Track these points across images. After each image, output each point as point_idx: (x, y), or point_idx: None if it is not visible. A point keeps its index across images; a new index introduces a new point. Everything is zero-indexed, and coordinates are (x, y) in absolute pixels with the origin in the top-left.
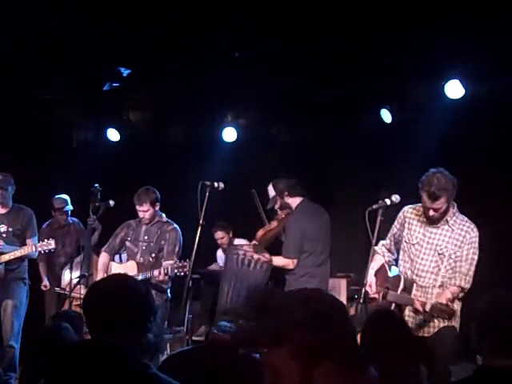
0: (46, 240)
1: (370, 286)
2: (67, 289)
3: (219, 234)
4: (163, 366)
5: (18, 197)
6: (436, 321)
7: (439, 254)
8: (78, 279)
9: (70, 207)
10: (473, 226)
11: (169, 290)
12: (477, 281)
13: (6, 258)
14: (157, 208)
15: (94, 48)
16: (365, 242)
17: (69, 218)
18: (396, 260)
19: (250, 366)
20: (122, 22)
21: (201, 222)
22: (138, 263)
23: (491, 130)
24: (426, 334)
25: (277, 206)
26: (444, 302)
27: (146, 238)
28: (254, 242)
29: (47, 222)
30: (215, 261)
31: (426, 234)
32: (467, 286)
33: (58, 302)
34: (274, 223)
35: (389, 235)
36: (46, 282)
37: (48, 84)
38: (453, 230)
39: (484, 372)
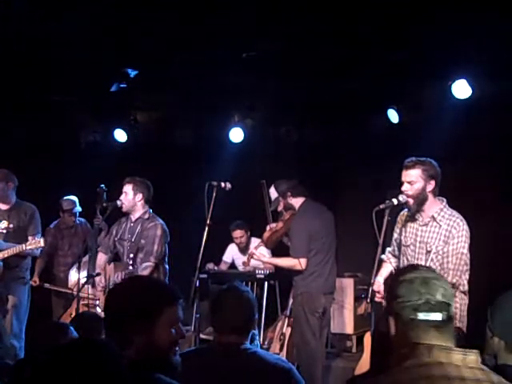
0: (33, 238)
1: (379, 292)
2: (75, 289)
3: (238, 233)
4: None
5: (25, 197)
6: None
7: (428, 251)
8: (85, 279)
9: (78, 209)
10: (459, 219)
11: None
12: (478, 281)
13: (0, 256)
14: (138, 199)
15: (101, 49)
16: (372, 241)
17: (77, 218)
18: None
19: (256, 366)
20: (129, 23)
21: (208, 222)
22: (115, 264)
23: (499, 130)
24: None
25: (280, 208)
26: None
27: (129, 236)
28: (260, 244)
29: (54, 223)
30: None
31: (418, 233)
32: (455, 280)
33: (65, 302)
34: (280, 224)
35: (392, 241)
36: (35, 277)
37: (55, 85)
38: (440, 225)
39: (501, 371)
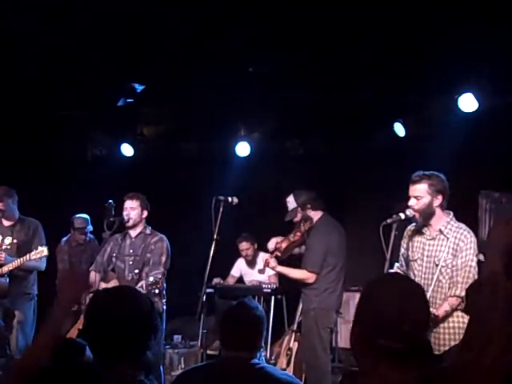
0: (36, 250)
1: None
2: (82, 303)
3: (244, 245)
4: (176, 382)
5: (30, 211)
6: (446, 340)
7: (437, 265)
8: (92, 294)
9: (90, 228)
10: (466, 232)
11: (164, 306)
12: None
13: (5, 269)
14: (144, 215)
15: (108, 64)
16: (379, 255)
17: (87, 236)
18: None
19: (264, 382)
20: (136, 39)
21: (215, 236)
22: (120, 280)
23: (505, 143)
24: (436, 352)
25: (297, 219)
26: (433, 312)
27: (131, 251)
28: (276, 253)
29: (64, 239)
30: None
31: (425, 247)
32: (464, 294)
33: (72, 317)
34: (298, 235)
35: (400, 256)
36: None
37: (63, 100)
38: (447, 238)
39: None
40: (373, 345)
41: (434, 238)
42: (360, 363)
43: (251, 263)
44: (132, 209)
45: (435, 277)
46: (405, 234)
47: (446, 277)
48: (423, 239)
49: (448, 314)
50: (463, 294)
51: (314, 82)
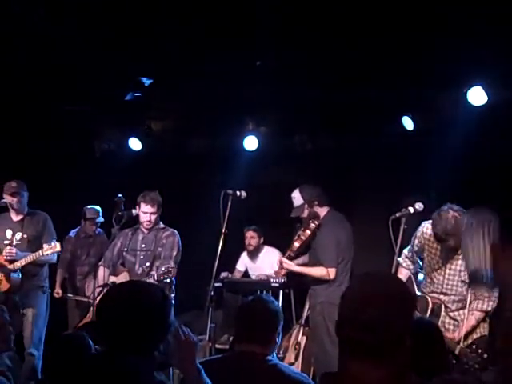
0: (47, 243)
1: None
2: (91, 297)
3: (250, 234)
4: None
5: (40, 206)
6: (463, 337)
7: (462, 281)
8: (101, 288)
9: (101, 219)
10: None
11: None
12: None
13: (18, 264)
14: (159, 214)
15: (116, 58)
16: (388, 249)
17: (97, 228)
18: (421, 268)
19: (275, 379)
20: (144, 33)
21: (223, 230)
22: (130, 274)
23: None
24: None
25: (304, 215)
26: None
27: (143, 246)
28: (289, 253)
29: (74, 231)
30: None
31: (449, 260)
32: (490, 308)
33: (81, 310)
34: (307, 233)
35: (410, 247)
36: (58, 289)
37: (70, 94)
38: None
39: None
40: (341, 339)
41: (458, 254)
42: (338, 364)
43: (254, 256)
44: (153, 214)
45: (464, 290)
46: (419, 234)
47: (472, 291)
48: (446, 252)
49: (474, 328)
50: (489, 308)
51: (322, 76)
